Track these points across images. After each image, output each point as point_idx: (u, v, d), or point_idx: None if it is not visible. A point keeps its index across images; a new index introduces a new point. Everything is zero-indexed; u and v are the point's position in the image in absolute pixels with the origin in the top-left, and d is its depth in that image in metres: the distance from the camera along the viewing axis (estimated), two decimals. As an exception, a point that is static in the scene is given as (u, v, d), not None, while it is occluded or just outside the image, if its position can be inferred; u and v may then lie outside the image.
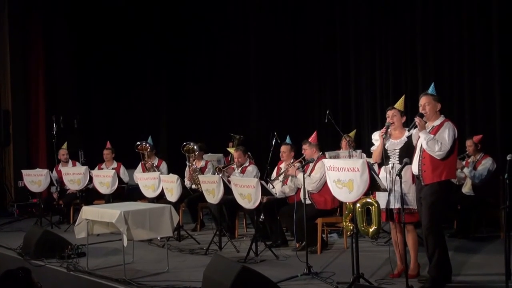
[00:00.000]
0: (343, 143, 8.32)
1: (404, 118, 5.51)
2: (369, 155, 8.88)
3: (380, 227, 5.25)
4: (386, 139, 5.41)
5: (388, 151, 5.40)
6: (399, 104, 5.55)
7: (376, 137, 5.55)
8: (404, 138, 5.39)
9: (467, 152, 7.65)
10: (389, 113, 5.50)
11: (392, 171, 5.18)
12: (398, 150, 5.35)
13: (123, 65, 12.50)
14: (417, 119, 5.06)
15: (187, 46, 12.77)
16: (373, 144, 5.64)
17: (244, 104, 12.27)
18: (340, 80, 10.66)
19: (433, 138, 4.95)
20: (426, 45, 9.14)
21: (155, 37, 12.85)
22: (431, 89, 5.22)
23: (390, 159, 5.37)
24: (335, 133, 8.72)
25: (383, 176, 5.22)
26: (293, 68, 11.44)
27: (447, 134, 4.96)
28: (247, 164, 7.99)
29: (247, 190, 6.47)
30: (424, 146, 5.01)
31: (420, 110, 5.15)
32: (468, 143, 7.62)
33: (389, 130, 5.42)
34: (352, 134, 8.45)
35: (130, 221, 5.61)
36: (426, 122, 5.13)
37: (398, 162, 5.30)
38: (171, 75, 13.20)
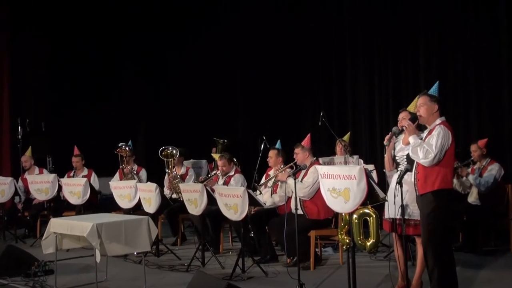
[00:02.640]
0: (338, 148, 8.33)
1: (417, 122, 5.51)
2: (366, 160, 8.99)
3: (378, 241, 5.26)
4: (397, 144, 5.43)
5: (397, 158, 5.43)
6: (413, 106, 5.53)
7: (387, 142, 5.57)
8: None
9: (472, 158, 7.65)
10: (400, 115, 5.52)
11: (398, 178, 5.18)
12: (405, 156, 5.36)
13: (97, 66, 12.45)
14: (405, 123, 5.11)
15: (167, 44, 12.75)
16: (372, 150, 5.64)
17: (230, 105, 12.27)
18: (335, 79, 10.70)
19: (419, 144, 4.98)
20: (429, 41, 9.21)
21: (133, 36, 12.82)
22: (432, 89, 5.22)
23: (400, 166, 5.40)
24: (329, 137, 8.74)
25: (393, 185, 5.22)
26: (284, 66, 11.47)
27: (435, 139, 4.95)
28: (233, 173, 7.98)
29: (233, 200, 6.45)
30: (410, 153, 5.06)
31: (416, 111, 5.19)
32: (473, 148, 7.62)
33: (394, 137, 5.41)
34: (346, 137, 8.48)
35: (103, 235, 5.57)
36: (418, 126, 5.15)
37: None
38: (150, 75, 13.16)
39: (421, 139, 5.11)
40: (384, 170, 5.40)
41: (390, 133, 5.38)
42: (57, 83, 12.28)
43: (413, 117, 5.16)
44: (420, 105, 5.14)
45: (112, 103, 12.66)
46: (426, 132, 5.15)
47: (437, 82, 5.26)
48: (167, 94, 12.82)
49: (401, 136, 5.44)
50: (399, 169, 5.35)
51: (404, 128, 5.16)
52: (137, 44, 12.89)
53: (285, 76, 11.51)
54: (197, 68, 12.59)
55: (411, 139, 5.04)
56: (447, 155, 4.99)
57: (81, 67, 12.34)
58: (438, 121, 5.11)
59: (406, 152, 5.33)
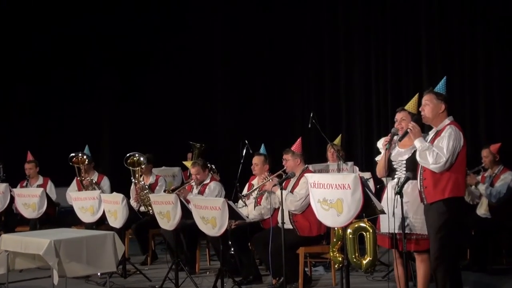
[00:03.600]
0: (329, 153, 8.35)
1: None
2: (362, 167, 9.03)
3: (376, 259, 5.28)
4: (393, 149, 5.45)
5: (394, 163, 5.44)
6: (411, 105, 5.55)
7: (380, 145, 5.58)
8: (412, 147, 5.38)
9: (483, 165, 7.69)
10: (398, 116, 5.52)
11: (397, 188, 5.22)
12: (405, 162, 5.39)
13: (55, 62, 12.36)
14: (409, 125, 5.13)
15: (135, 38, 12.69)
16: (368, 156, 5.66)
17: (208, 105, 12.26)
18: (328, 76, 10.75)
19: (427, 147, 5.01)
20: (432, 34, 9.28)
21: (95, 26, 12.75)
22: (439, 86, 5.25)
23: (396, 172, 5.41)
24: (321, 141, 8.76)
25: (389, 195, 5.24)
26: (270, 61, 11.51)
27: (445, 141, 5.00)
28: (208, 181, 7.98)
29: (211, 212, 6.45)
30: (417, 158, 5.08)
31: (420, 110, 5.22)
32: (484, 153, 7.67)
33: (395, 138, 5.45)
34: (337, 141, 8.51)
35: (62, 253, 5.53)
36: (431, 128, 5.18)
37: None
38: (115, 70, 13.06)
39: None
40: (384, 179, 5.41)
41: (389, 134, 5.41)
42: (9, 82, 12.20)
43: (416, 118, 5.20)
44: (425, 103, 5.17)
45: (72, 105, 12.56)
46: (431, 133, 5.19)
47: (444, 78, 5.30)
48: (135, 92, 12.75)
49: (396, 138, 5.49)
50: (396, 176, 5.38)
51: (407, 130, 5.16)
52: (98, 36, 12.82)
53: (271, 72, 11.54)
54: (171, 63, 12.55)
55: (418, 143, 5.06)
56: (459, 159, 5.03)
57: (37, 65, 12.27)
58: (447, 121, 5.16)
59: (405, 157, 5.37)
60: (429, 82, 8.73)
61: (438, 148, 4.98)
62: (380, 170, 5.50)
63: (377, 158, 5.63)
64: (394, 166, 5.42)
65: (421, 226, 5.23)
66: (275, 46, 11.40)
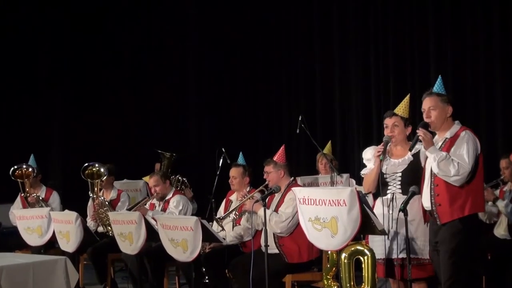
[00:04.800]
0: (320, 164, 8.37)
1: (410, 129, 5.57)
2: (359, 180, 9.02)
3: (375, 287, 5.28)
4: (385, 160, 5.46)
5: (386, 176, 5.45)
6: (402, 108, 5.59)
7: (368, 155, 5.59)
8: (408, 157, 5.45)
9: (501, 177, 7.71)
10: (388, 121, 5.55)
11: (392, 204, 5.23)
12: (400, 174, 5.41)
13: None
14: (420, 132, 5.12)
15: (94, 32, 12.65)
16: (362, 166, 5.68)
17: (180, 108, 12.23)
18: (320, 74, 10.79)
19: (446, 156, 5.01)
20: (442, 29, 9.32)
21: (45, 14, 12.71)
22: (437, 86, 5.28)
23: (389, 187, 5.43)
24: (311, 149, 8.78)
25: (380, 212, 5.26)
26: (251, 58, 11.52)
27: (465, 149, 5.03)
28: (171, 195, 7.96)
29: (181, 233, 6.42)
30: (435, 170, 5.07)
31: (424, 117, 5.23)
32: (503, 163, 7.67)
33: (388, 147, 5.47)
34: (327, 149, 8.53)
35: (4, 283, 5.47)
36: (434, 135, 5.21)
37: (399, 191, 5.36)
38: (67, 66, 12.98)
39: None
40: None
41: (382, 143, 5.45)
42: None
43: (424, 124, 5.21)
44: (430, 108, 5.19)
45: (14, 104, 12.47)
46: (440, 142, 5.21)
47: (440, 77, 5.36)
48: (92, 92, 12.68)
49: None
50: (389, 191, 5.40)
51: (418, 137, 5.16)
52: (49, 28, 12.78)
53: (252, 71, 11.56)
54: (136, 60, 12.52)
55: (432, 152, 5.06)
56: (478, 169, 5.08)
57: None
58: (457, 126, 5.20)
59: (400, 169, 5.40)
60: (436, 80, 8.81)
61: (458, 157, 5.00)
62: (369, 184, 5.52)
63: (364, 172, 5.66)
64: (387, 180, 5.45)
65: (422, 248, 5.28)
66: (257, 41, 11.41)
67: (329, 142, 8.79)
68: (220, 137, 10.78)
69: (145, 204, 8.01)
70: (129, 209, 7.81)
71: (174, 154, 10.13)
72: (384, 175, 5.44)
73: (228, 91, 11.78)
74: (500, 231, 7.62)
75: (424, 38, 9.53)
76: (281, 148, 6.98)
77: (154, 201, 7.96)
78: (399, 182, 5.38)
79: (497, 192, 7.63)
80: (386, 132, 5.51)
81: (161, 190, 7.88)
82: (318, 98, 10.81)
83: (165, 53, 12.27)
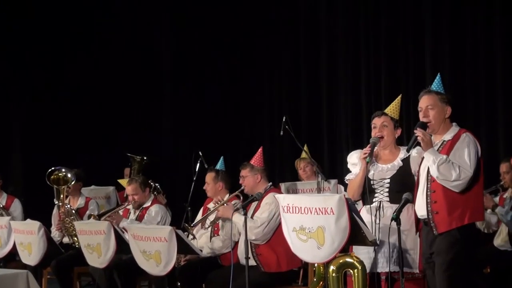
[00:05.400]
0: (300, 170, 8.39)
1: (399, 131, 5.57)
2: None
3: (366, 303, 5.29)
4: (371, 164, 5.47)
5: (373, 182, 5.45)
6: (393, 108, 5.61)
7: (353, 159, 5.59)
8: (397, 162, 5.46)
9: (501, 183, 7.73)
10: (377, 121, 5.55)
11: (378, 213, 5.24)
12: (388, 181, 5.41)
13: None
14: (418, 132, 5.09)
15: (58, 21, 12.61)
16: (348, 171, 5.68)
17: (153, 107, 12.19)
18: (305, 72, 10.79)
19: (446, 160, 5.00)
20: (439, 23, 9.35)
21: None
22: (436, 84, 5.29)
23: (376, 194, 5.43)
24: (296, 152, 8.78)
25: (366, 221, 5.23)
26: (231, 53, 11.52)
27: (466, 152, 5.02)
28: (149, 204, 7.92)
29: (154, 244, 6.40)
30: (434, 174, 5.05)
31: (421, 117, 5.21)
32: (503, 168, 7.69)
33: (376, 149, 5.48)
34: (305, 154, 8.53)
35: (-42, 299, 5.45)
36: (431, 136, 5.21)
37: (387, 199, 5.36)
38: (29, 58, 12.90)
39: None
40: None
41: (368, 145, 5.45)
42: None
43: (422, 125, 5.20)
44: (428, 107, 5.18)
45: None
46: (438, 144, 5.19)
47: (439, 75, 5.36)
48: (56, 89, 12.61)
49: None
50: (375, 199, 5.40)
51: (416, 137, 5.17)
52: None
53: (231, 66, 11.56)
54: (104, 54, 12.44)
55: (431, 155, 5.04)
56: (478, 175, 5.08)
57: None
58: (455, 128, 5.20)
59: (388, 175, 5.41)
60: (433, 76, 8.81)
61: (458, 160, 5.00)
62: (354, 191, 5.52)
63: (349, 177, 5.65)
64: (374, 187, 5.45)
65: (413, 261, 5.28)
66: (236, 34, 11.41)
67: (305, 145, 8.75)
68: (197, 140, 10.75)
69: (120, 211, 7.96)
70: (102, 215, 7.75)
71: (145, 158, 10.10)
72: (371, 182, 5.44)
73: (206, 90, 11.75)
74: (499, 241, 7.62)
75: (419, 33, 9.56)
76: (259, 150, 6.98)
77: (129, 207, 7.91)
78: (387, 190, 5.38)
79: (497, 199, 7.64)
80: (374, 132, 5.51)
81: (139, 199, 7.84)
82: (303, 97, 10.81)
83: (138, 48, 12.22)
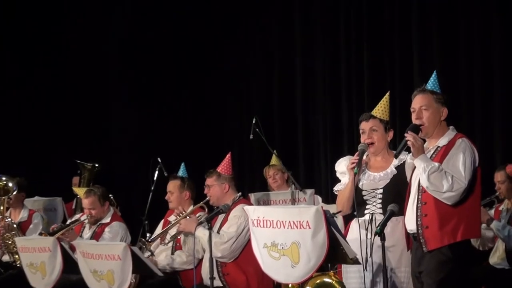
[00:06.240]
0: (270, 179, 8.42)
1: (392, 133, 5.61)
2: (327, 198, 9.05)
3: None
4: (362, 173, 5.50)
5: (364, 193, 5.49)
6: (381, 109, 5.63)
7: (342, 168, 5.63)
8: (391, 170, 5.50)
9: (496, 194, 7.83)
10: (365, 126, 5.57)
11: (371, 227, 5.26)
12: (381, 191, 5.45)
13: None
14: (409, 136, 5.11)
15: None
16: (337, 180, 5.70)
17: (102, 108, 12.16)
18: (278, 68, 10.82)
19: (438, 168, 5.02)
20: (428, 15, 9.40)
21: None
22: (431, 82, 5.32)
23: (367, 206, 5.47)
24: (268, 158, 8.80)
25: (355, 236, 5.28)
26: (190, 47, 11.54)
27: (461, 160, 5.05)
28: (108, 220, 7.88)
29: (106, 263, 6.37)
30: (424, 183, 5.08)
31: (413, 119, 5.24)
32: (499, 177, 7.77)
33: (365, 158, 5.51)
34: (274, 160, 8.57)
35: None
36: (424, 141, 5.25)
37: (380, 210, 5.39)
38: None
39: None
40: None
41: (356, 153, 5.47)
42: None
43: (414, 127, 5.21)
44: (422, 107, 5.22)
45: None
46: (432, 150, 5.24)
47: (435, 72, 5.38)
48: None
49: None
50: (367, 211, 5.44)
51: (406, 142, 5.19)
52: None
53: (192, 62, 11.58)
54: (50, 57, 12.39)
55: (422, 162, 5.07)
56: (475, 186, 5.12)
57: None
58: (451, 132, 5.23)
59: (381, 184, 5.45)
60: (421, 77, 8.81)
61: (451, 169, 5.02)
62: (343, 203, 5.56)
63: (338, 188, 5.69)
64: (365, 198, 5.49)
65: (406, 281, 5.31)
66: (198, 27, 11.43)
67: (274, 151, 8.76)
68: (155, 144, 10.74)
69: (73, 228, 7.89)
70: (55, 232, 7.69)
71: (96, 165, 10.08)
72: (362, 192, 5.48)
73: (166, 88, 11.74)
74: (495, 259, 7.69)
75: (406, 26, 9.63)
76: (227, 156, 6.98)
77: (85, 221, 7.85)
78: (380, 200, 5.42)
79: (492, 212, 7.69)
80: (363, 138, 5.53)
81: (97, 214, 7.80)
82: (275, 97, 10.84)
83: (85, 43, 12.18)
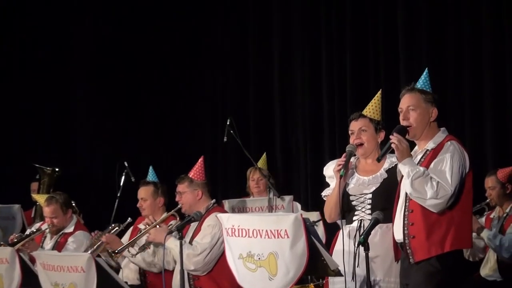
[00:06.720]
0: (252, 182, 8.42)
1: (383, 134, 5.60)
2: (307, 205, 9.05)
3: None
4: (350, 177, 5.53)
5: (353, 198, 5.51)
6: (372, 107, 5.64)
7: (330, 172, 5.62)
8: (381, 173, 5.51)
9: (487, 201, 7.86)
10: (354, 126, 5.59)
11: (359, 234, 5.24)
12: (370, 196, 5.46)
13: None
14: (393, 138, 5.12)
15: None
16: (319, 185, 5.70)
17: (64, 109, 12.11)
18: (254, 65, 10.83)
19: (423, 173, 5.03)
20: (415, 6, 9.43)
21: None
22: (422, 81, 5.33)
23: (356, 212, 5.48)
24: (243, 162, 8.81)
25: (341, 248, 5.28)
26: (158, 46, 11.56)
27: (448, 164, 5.05)
28: (72, 229, 7.86)
29: (69, 276, 6.34)
30: (408, 189, 5.09)
31: (401, 119, 5.26)
32: (489, 182, 7.81)
33: (353, 160, 5.52)
34: (261, 162, 8.59)
35: None
36: (415, 144, 5.26)
37: (369, 217, 5.35)
38: None
39: None
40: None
41: (343, 155, 5.47)
42: None
43: (400, 129, 5.22)
44: (409, 107, 5.22)
45: None
46: (419, 155, 5.26)
47: (426, 70, 5.38)
48: None
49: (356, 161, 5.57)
50: (356, 218, 5.45)
51: (391, 144, 5.17)
52: None
53: (162, 58, 11.61)
54: (8, 55, 12.37)
55: (406, 166, 5.08)
56: (464, 191, 5.12)
57: None
58: (442, 134, 5.24)
59: (370, 188, 5.46)
60: (407, 75, 8.87)
61: (437, 175, 5.02)
62: (330, 210, 5.57)
63: (326, 193, 5.70)
64: (353, 203, 5.50)
65: None
66: (170, 24, 11.45)
67: (264, 154, 8.79)
68: (121, 148, 10.71)
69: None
70: (15, 243, 7.66)
71: (57, 170, 10.04)
72: (350, 197, 5.50)
73: (133, 87, 11.72)
74: (487, 270, 7.74)
75: (392, 19, 9.66)
76: (199, 161, 6.96)
77: (46, 231, 7.82)
78: (369, 206, 5.42)
79: (482, 220, 7.73)
80: (352, 139, 5.53)
81: (59, 223, 7.76)
82: (252, 96, 10.84)
83: (45, 43, 12.15)
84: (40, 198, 8.39)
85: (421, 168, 5.04)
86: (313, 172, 10.03)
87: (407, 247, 5.11)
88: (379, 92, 5.69)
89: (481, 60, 9.05)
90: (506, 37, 8.78)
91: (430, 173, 5.02)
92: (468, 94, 9.12)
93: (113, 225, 7.43)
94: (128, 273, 7.25)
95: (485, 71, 9.02)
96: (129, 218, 7.62)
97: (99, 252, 7.14)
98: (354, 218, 5.45)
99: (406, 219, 5.14)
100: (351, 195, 5.50)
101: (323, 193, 5.73)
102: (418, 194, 5.01)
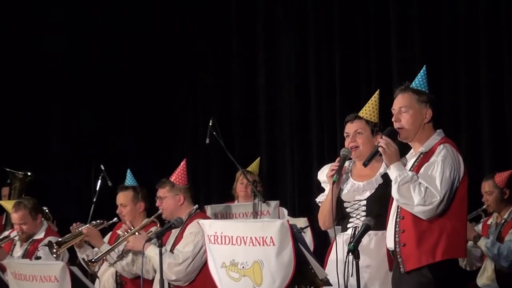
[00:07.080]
0: (239, 186, 8.41)
1: (380, 137, 5.57)
2: (294, 210, 9.03)
3: None
4: (344, 182, 5.53)
5: (347, 204, 5.51)
6: (369, 109, 5.64)
7: (323, 177, 5.62)
8: (376, 178, 5.52)
9: (484, 207, 7.87)
10: (349, 128, 5.59)
11: (350, 243, 5.22)
12: (365, 202, 5.47)
13: None
14: (381, 141, 5.13)
15: None
16: (322, 189, 5.70)
17: (37, 109, 12.08)
18: (238, 63, 10.83)
19: (411, 178, 5.03)
20: (407, 5, 9.46)
21: None
22: (418, 80, 5.32)
23: (351, 219, 5.49)
24: (227, 166, 8.80)
25: (342, 255, 5.25)
26: (136, 46, 11.56)
27: (439, 168, 5.04)
28: (42, 236, 7.84)
29: (41, 286, 6.34)
30: (395, 195, 5.09)
31: (393, 121, 5.26)
32: (486, 187, 7.80)
33: (348, 165, 5.53)
34: (253, 166, 8.58)
35: None
36: (410, 147, 5.26)
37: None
38: None
39: None
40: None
41: (337, 159, 5.47)
42: None
43: (391, 132, 5.24)
44: (401, 108, 5.22)
45: None
46: (412, 158, 5.27)
47: (424, 68, 5.37)
48: None
49: (352, 166, 5.58)
50: (350, 225, 5.46)
51: (378, 148, 5.17)
52: None
53: (138, 56, 11.58)
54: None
55: (394, 171, 5.08)
56: (458, 197, 5.11)
57: None
58: (436, 137, 5.23)
59: (365, 194, 5.46)
60: (399, 75, 8.87)
61: (427, 180, 5.01)
62: (324, 217, 5.56)
63: (320, 199, 5.70)
64: (348, 210, 5.50)
65: None
66: (149, 22, 11.47)
67: (258, 159, 8.79)
68: (97, 151, 10.69)
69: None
70: None
71: (29, 174, 10.02)
72: (344, 204, 5.50)
73: (109, 87, 11.71)
74: (484, 280, 7.71)
75: (384, 15, 9.66)
76: (181, 164, 6.95)
77: (15, 238, 7.80)
78: (364, 213, 5.42)
79: (479, 227, 7.73)
80: (347, 142, 5.54)
81: (29, 230, 7.73)
82: (235, 96, 10.84)
83: (20, 42, 12.13)
84: (8, 204, 8.35)
85: (410, 173, 5.04)
86: (300, 176, 10.03)
87: (398, 256, 5.10)
88: (377, 92, 5.69)
89: (477, 59, 9.06)
90: (503, 37, 8.78)
91: (420, 178, 5.01)
92: (464, 94, 9.11)
93: (98, 220, 7.39)
94: (104, 282, 7.22)
95: (482, 71, 9.03)
96: (116, 218, 7.59)
97: (75, 243, 7.13)
98: (349, 225, 5.46)
99: (397, 226, 5.13)
100: (345, 201, 5.50)
101: (317, 199, 5.74)
102: (405, 200, 5.02)
